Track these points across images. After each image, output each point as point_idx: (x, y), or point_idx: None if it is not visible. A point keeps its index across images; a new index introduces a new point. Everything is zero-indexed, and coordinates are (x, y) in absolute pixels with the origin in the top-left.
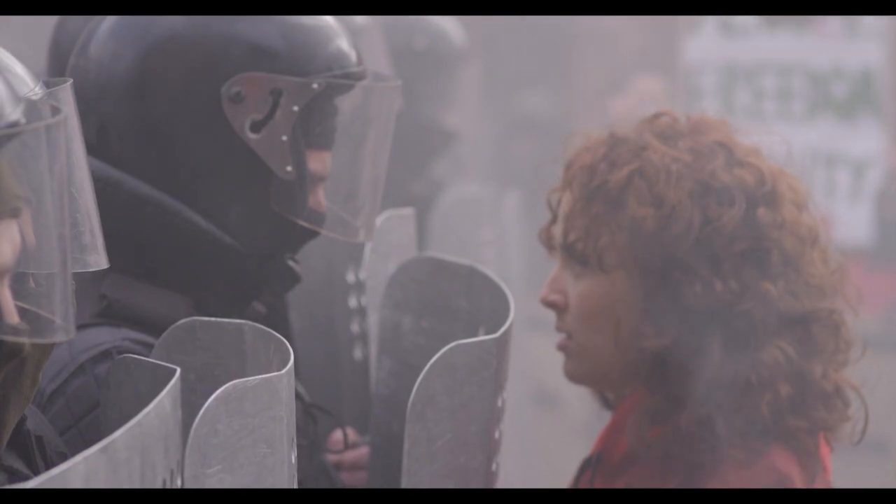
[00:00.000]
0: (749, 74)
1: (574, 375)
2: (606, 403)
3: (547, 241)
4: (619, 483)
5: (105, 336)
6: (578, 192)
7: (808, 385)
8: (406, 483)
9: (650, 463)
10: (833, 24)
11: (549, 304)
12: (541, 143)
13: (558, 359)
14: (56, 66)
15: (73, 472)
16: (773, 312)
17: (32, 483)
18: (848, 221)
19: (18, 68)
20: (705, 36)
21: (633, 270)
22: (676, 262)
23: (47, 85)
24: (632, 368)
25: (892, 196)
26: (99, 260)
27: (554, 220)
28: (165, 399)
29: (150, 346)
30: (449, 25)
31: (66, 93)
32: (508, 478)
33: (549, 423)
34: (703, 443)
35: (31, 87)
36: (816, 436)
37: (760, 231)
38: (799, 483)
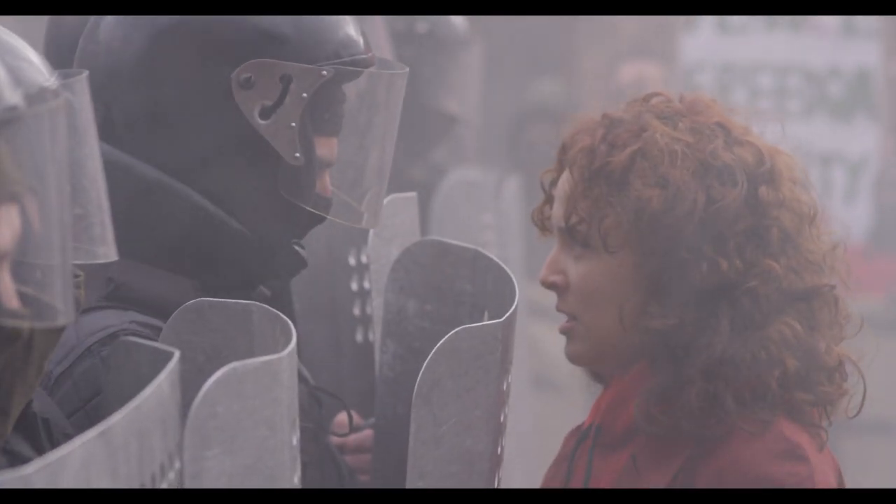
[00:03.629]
0: (746, 73)
1: (576, 357)
2: (598, 378)
3: (540, 222)
4: (623, 454)
5: (112, 319)
6: (579, 175)
7: (814, 359)
8: (412, 466)
9: (655, 435)
10: (829, 24)
11: (550, 285)
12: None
13: (557, 342)
14: (53, 50)
15: (71, 457)
16: (778, 289)
17: (31, 466)
18: (845, 221)
19: (31, 55)
20: (702, 34)
21: (637, 251)
22: (682, 242)
23: (63, 77)
24: (637, 348)
25: (889, 183)
26: (108, 252)
27: (547, 201)
28: (164, 382)
29: (157, 330)
30: None
31: (81, 84)
32: (507, 461)
33: (548, 407)
34: (711, 417)
35: (43, 74)
36: (820, 408)
37: (762, 209)
38: (808, 450)
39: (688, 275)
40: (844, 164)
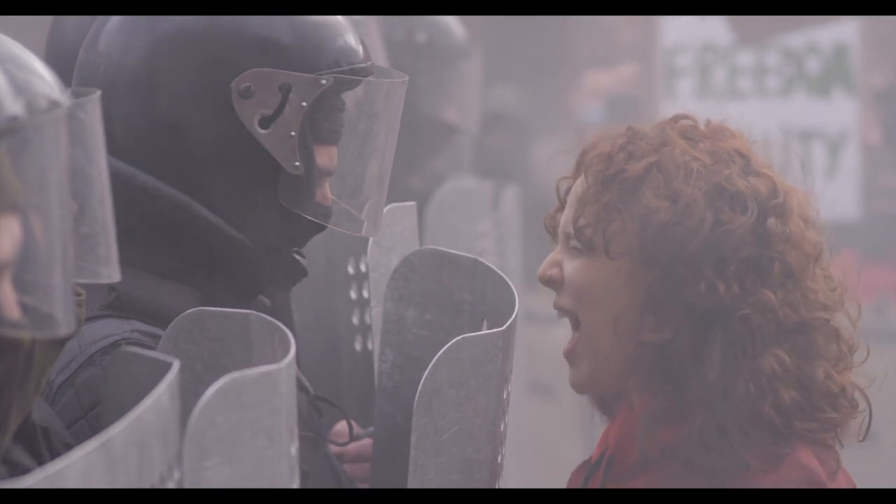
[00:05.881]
0: (725, 52)
1: (580, 383)
2: (604, 408)
3: (552, 229)
4: (636, 486)
5: (114, 328)
6: (593, 179)
7: (813, 388)
8: (413, 475)
9: (667, 468)
10: None
11: (547, 279)
12: (509, 137)
13: (554, 349)
14: (53, 60)
15: (70, 468)
16: (773, 320)
17: (30, 478)
18: (828, 198)
19: (41, 68)
20: (681, 17)
21: (638, 260)
22: (683, 259)
23: (75, 95)
24: (631, 362)
25: (877, 191)
26: (112, 272)
27: (560, 208)
28: (164, 393)
29: (158, 339)
30: (450, 19)
31: (93, 104)
32: (504, 468)
33: (544, 414)
34: (719, 451)
35: (53, 89)
36: (829, 434)
37: (767, 241)
38: (825, 475)
39: (684, 292)
40: (824, 140)
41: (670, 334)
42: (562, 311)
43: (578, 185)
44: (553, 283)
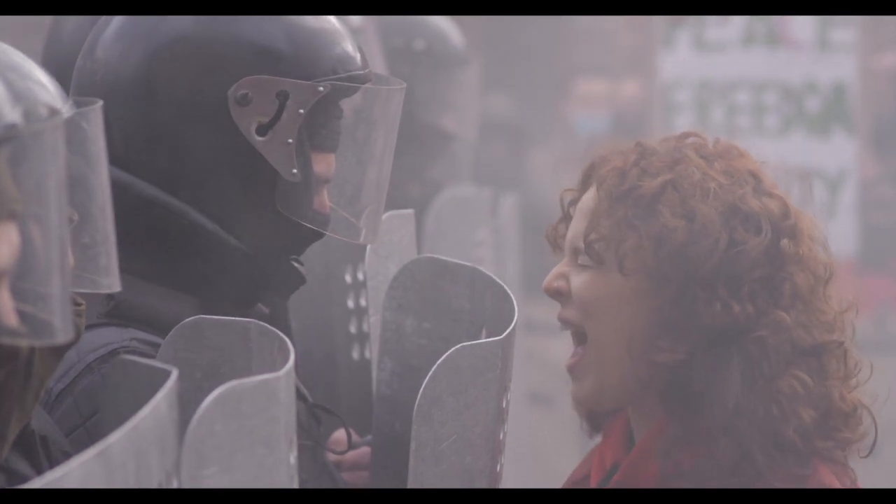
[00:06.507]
0: (723, 90)
1: (584, 398)
2: (595, 424)
3: (553, 240)
4: None
5: (113, 336)
6: (605, 193)
7: (830, 407)
8: (412, 484)
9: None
10: (805, 38)
11: (553, 291)
12: (505, 145)
13: (552, 358)
14: (51, 66)
15: (68, 477)
16: (788, 341)
17: (27, 487)
18: (829, 236)
19: (42, 77)
20: (680, 52)
21: (652, 278)
22: (698, 278)
23: (77, 104)
24: (644, 383)
25: (875, 203)
26: (112, 283)
27: (563, 220)
28: (162, 401)
29: (157, 347)
30: (448, 27)
31: (95, 114)
32: (502, 477)
33: (543, 423)
34: (742, 476)
35: (54, 97)
36: (844, 453)
37: (780, 262)
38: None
39: (699, 311)
40: (824, 180)
41: (684, 355)
42: (567, 323)
43: (588, 199)
44: (559, 295)
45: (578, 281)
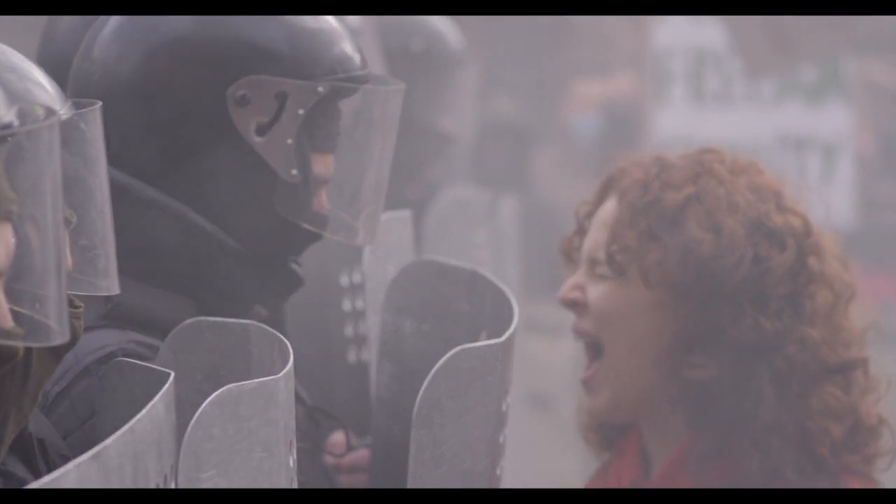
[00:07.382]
0: (718, 58)
1: (602, 410)
2: (607, 443)
3: (568, 252)
4: None
5: (110, 338)
6: (627, 205)
7: (857, 422)
8: (412, 486)
9: None
10: None
11: (570, 302)
12: (510, 147)
13: (552, 361)
14: (46, 66)
15: (64, 480)
16: (815, 358)
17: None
18: (826, 206)
19: (41, 77)
20: (673, 21)
21: (675, 290)
22: (722, 293)
23: (76, 106)
24: (674, 399)
25: (874, 202)
26: (111, 285)
27: (578, 232)
28: (159, 404)
29: (155, 349)
30: (446, 28)
31: (94, 115)
32: (502, 480)
33: (542, 425)
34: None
35: (53, 98)
36: (869, 466)
37: (805, 279)
38: None
39: (725, 327)
40: (818, 148)
41: (715, 371)
42: (582, 334)
43: (608, 211)
44: (576, 305)
45: (596, 292)
